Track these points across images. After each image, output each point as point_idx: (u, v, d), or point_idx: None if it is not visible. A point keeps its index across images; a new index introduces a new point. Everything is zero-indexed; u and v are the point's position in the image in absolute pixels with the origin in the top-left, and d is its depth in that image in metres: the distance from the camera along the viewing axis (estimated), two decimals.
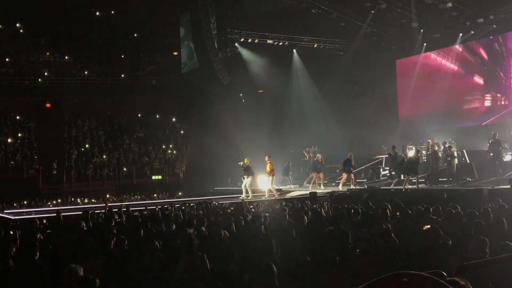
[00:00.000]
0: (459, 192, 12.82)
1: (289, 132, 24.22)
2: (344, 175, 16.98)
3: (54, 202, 21.23)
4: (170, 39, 30.66)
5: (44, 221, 10.25)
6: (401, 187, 15.00)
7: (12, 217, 12.38)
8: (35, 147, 26.01)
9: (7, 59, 28.35)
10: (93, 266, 5.46)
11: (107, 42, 30.67)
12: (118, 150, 26.94)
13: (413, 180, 15.62)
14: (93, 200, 21.65)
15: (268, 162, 16.31)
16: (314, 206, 10.98)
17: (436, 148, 16.78)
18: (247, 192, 16.23)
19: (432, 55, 22.27)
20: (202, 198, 15.38)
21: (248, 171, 16.31)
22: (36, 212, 14.32)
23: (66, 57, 30.11)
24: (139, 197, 22.72)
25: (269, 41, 22.83)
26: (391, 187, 15.83)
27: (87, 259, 5.82)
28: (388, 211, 8.49)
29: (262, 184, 17.99)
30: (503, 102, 20.04)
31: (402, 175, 16.28)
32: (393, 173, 17.69)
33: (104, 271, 5.51)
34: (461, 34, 20.42)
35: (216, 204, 13.07)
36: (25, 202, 20.77)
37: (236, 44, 22.72)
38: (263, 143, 21.37)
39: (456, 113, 21.51)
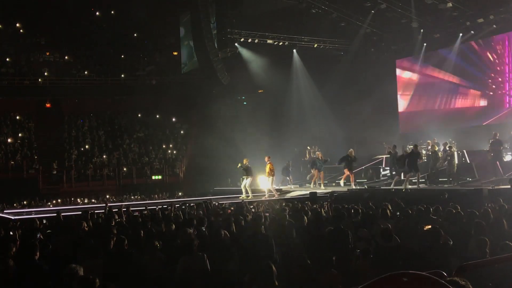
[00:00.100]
0: (459, 192, 12.82)
1: (289, 132, 24.22)
2: (346, 171, 16.91)
3: (54, 202, 21.24)
4: (170, 39, 30.67)
5: (44, 221, 10.25)
6: (401, 187, 15.00)
7: (12, 217, 12.38)
8: (35, 147, 26.01)
9: (7, 59, 28.36)
10: (93, 266, 5.46)
11: (107, 42, 30.67)
12: (118, 150, 26.95)
13: (413, 180, 15.63)
14: (93, 200, 21.66)
15: (268, 162, 16.33)
16: (314, 206, 10.98)
17: (436, 148, 16.78)
18: (247, 192, 16.25)
19: (432, 55, 22.27)
20: (202, 198, 15.39)
21: (247, 171, 16.33)
22: (36, 212, 14.31)
23: (66, 57, 30.11)
24: (139, 197, 22.73)
25: (269, 41, 22.84)
26: (392, 186, 15.85)
27: (87, 259, 5.81)
28: (388, 211, 8.48)
29: (262, 184, 18.00)
30: (503, 102, 20.04)
31: (402, 174, 16.29)
32: (394, 172, 17.69)
33: (104, 271, 5.51)
34: (461, 34, 20.42)
35: (216, 204, 13.07)
36: (24, 202, 20.77)
37: (236, 44, 22.73)
38: (263, 143, 21.38)
39: (456, 113, 21.50)
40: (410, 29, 21.47)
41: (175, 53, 29.99)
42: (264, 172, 16.76)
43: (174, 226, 8.14)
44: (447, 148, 16.18)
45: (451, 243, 5.92)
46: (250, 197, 15.91)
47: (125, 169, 25.83)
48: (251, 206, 11.91)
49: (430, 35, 21.38)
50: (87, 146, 26.98)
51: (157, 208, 11.72)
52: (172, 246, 6.78)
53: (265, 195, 16.47)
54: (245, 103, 28.46)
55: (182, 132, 29.49)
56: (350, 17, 22.18)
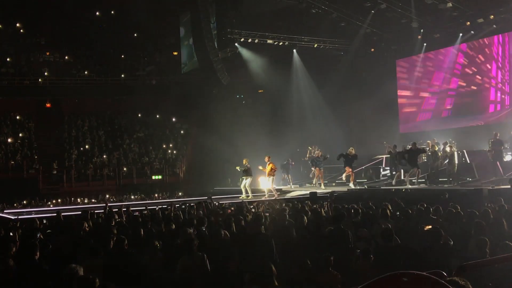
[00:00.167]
0: (459, 192, 12.82)
1: (289, 132, 24.21)
2: (348, 169, 16.86)
3: (54, 202, 21.23)
4: (170, 39, 30.65)
5: (44, 221, 10.25)
6: (402, 187, 15.01)
7: (12, 217, 12.38)
8: (35, 147, 26.00)
9: (7, 59, 28.35)
10: (93, 266, 5.46)
11: (107, 42, 30.65)
12: (118, 150, 26.95)
13: (413, 180, 15.65)
14: (93, 200, 21.66)
15: (269, 162, 16.32)
16: (314, 206, 10.97)
17: (436, 148, 16.78)
18: (246, 192, 16.26)
19: (432, 55, 22.28)
20: (202, 198, 15.40)
21: (247, 171, 16.33)
22: (36, 212, 14.32)
23: (66, 57, 30.10)
24: (138, 196, 22.73)
25: (269, 41, 22.85)
26: (393, 183, 15.89)
27: (87, 259, 5.82)
28: (388, 211, 8.48)
29: (262, 184, 18.01)
30: (503, 102, 20.05)
31: (403, 173, 16.32)
32: (394, 172, 17.70)
33: (104, 271, 5.51)
34: (461, 34, 20.43)
35: (216, 204, 13.08)
36: (24, 202, 20.77)
37: (236, 44, 22.73)
38: (263, 143, 21.37)
39: (456, 113, 21.51)
40: (410, 29, 21.48)
41: (175, 53, 29.97)
42: (264, 172, 16.74)
43: (174, 226, 8.14)
44: (447, 149, 16.16)
45: (451, 243, 5.92)
46: (250, 197, 15.91)
47: (125, 169, 25.82)
48: (251, 206, 11.91)
49: (430, 35, 21.39)
50: (87, 146, 26.98)
51: (157, 208, 11.72)
52: (172, 246, 6.78)
53: (265, 195, 16.48)
54: (244, 102, 28.44)
55: (182, 132, 29.48)
56: (350, 17, 22.18)
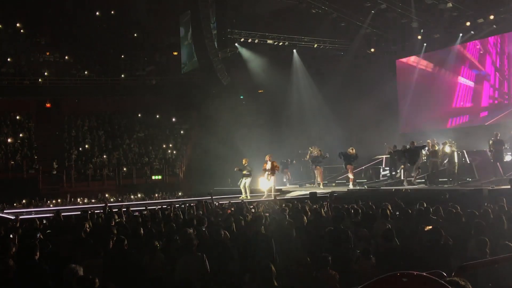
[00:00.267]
0: (459, 192, 12.80)
1: (289, 132, 24.22)
2: (349, 167, 16.81)
3: (54, 202, 21.23)
4: (170, 39, 30.64)
5: (44, 221, 10.25)
6: (402, 187, 15.01)
7: (12, 217, 12.37)
8: (35, 147, 26.01)
9: (7, 59, 28.35)
10: (93, 266, 5.46)
11: (107, 42, 30.66)
12: (118, 150, 26.95)
13: (412, 180, 15.67)
14: (93, 200, 21.65)
15: (270, 161, 16.28)
16: (314, 206, 10.97)
17: (436, 148, 16.76)
18: (246, 192, 16.24)
19: (432, 55, 22.28)
20: (202, 198, 15.37)
21: (247, 171, 16.31)
22: (36, 212, 14.31)
23: (66, 57, 30.10)
24: (138, 196, 22.73)
25: (269, 41, 22.85)
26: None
27: (87, 259, 5.82)
28: (388, 211, 8.48)
29: (262, 184, 17.99)
30: (503, 102, 20.05)
31: (403, 172, 16.34)
32: (393, 173, 17.71)
33: (104, 271, 5.51)
34: (461, 34, 20.43)
35: (216, 204, 13.07)
36: (24, 201, 20.77)
37: (236, 44, 22.74)
38: (263, 143, 21.37)
39: (456, 113, 21.51)
40: (410, 29, 21.48)
41: (175, 53, 29.97)
42: (265, 172, 16.70)
43: (174, 226, 8.14)
44: (446, 149, 16.12)
45: (451, 243, 5.92)
46: (248, 198, 15.89)
47: (125, 169, 25.83)
48: (251, 206, 11.91)
49: (430, 35, 21.39)
50: (87, 146, 26.98)
51: (157, 208, 11.72)
52: (172, 246, 6.78)
53: (264, 195, 16.46)
54: (244, 102, 28.44)
55: (182, 132, 29.48)
56: (350, 17, 22.18)
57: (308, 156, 20.59)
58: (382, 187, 16.52)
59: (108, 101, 29.42)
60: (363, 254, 5.78)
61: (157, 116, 29.68)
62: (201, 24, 22.45)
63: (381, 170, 19.96)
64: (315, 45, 23.64)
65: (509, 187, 12.08)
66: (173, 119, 29.95)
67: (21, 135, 26.38)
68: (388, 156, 18.14)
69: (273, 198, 14.44)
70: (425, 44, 21.74)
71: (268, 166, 16.16)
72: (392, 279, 1.61)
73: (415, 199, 10.73)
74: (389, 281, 1.61)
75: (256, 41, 22.56)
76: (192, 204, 12.68)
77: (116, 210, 11.58)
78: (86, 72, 29.58)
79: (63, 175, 24.43)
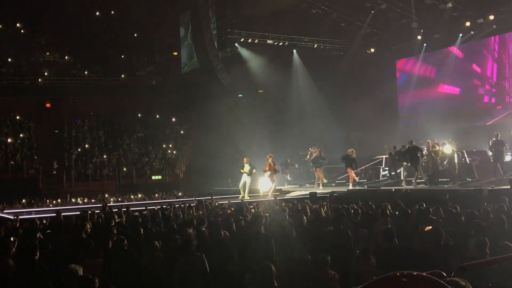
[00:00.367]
0: (459, 192, 12.80)
1: (289, 132, 24.21)
2: (350, 170, 16.81)
3: (54, 202, 21.23)
4: (170, 39, 30.64)
5: (44, 221, 10.25)
6: (402, 187, 15.01)
7: (12, 217, 12.37)
8: (35, 147, 26.01)
9: (7, 59, 28.35)
10: (93, 266, 5.46)
11: (107, 42, 30.66)
12: (118, 150, 26.96)
13: (412, 180, 15.66)
14: (93, 200, 21.65)
15: (272, 161, 16.29)
16: (314, 206, 10.97)
17: (436, 148, 16.75)
18: (244, 191, 16.22)
19: (432, 55, 22.27)
20: (201, 198, 15.36)
21: (248, 171, 16.30)
22: (36, 212, 14.31)
23: (66, 57, 30.12)
24: (138, 196, 22.72)
25: (269, 41, 22.84)
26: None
27: (87, 259, 5.82)
28: (388, 211, 8.48)
29: (262, 184, 17.99)
30: (503, 102, 20.05)
31: (403, 168, 16.35)
32: (393, 173, 17.69)
33: (104, 271, 5.51)
34: (461, 34, 20.43)
35: (216, 204, 13.07)
36: (24, 201, 20.76)
37: (236, 44, 22.73)
38: (263, 143, 21.35)
39: (456, 113, 21.51)
40: (410, 29, 21.48)
41: (175, 53, 29.97)
42: (266, 172, 16.70)
43: (174, 226, 8.14)
44: (446, 149, 16.12)
45: (451, 243, 5.92)
46: (246, 198, 15.86)
47: (125, 169, 25.84)
48: (251, 206, 11.91)
49: (430, 35, 21.39)
50: (87, 146, 26.99)
51: (157, 208, 11.72)
52: (172, 246, 6.77)
53: (265, 195, 16.46)
54: (244, 101, 28.44)
55: (182, 132, 29.49)
56: (350, 17, 22.18)
57: (308, 156, 20.61)
58: (382, 187, 16.52)
59: (108, 101, 29.42)
60: (363, 254, 5.78)
61: (157, 116, 29.69)
62: (201, 24, 22.46)
63: (381, 170, 19.96)
64: (315, 45, 23.64)
65: (509, 187, 12.07)
66: (173, 119, 29.96)
67: (21, 135, 26.39)
68: (388, 156, 18.13)
69: (272, 198, 14.45)
70: (425, 44, 21.73)
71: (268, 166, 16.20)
72: (392, 279, 1.61)
73: (415, 199, 10.73)
74: (389, 281, 1.61)
75: (256, 41, 22.56)
76: (192, 204, 12.69)
77: (116, 210, 11.57)
78: (86, 72, 29.59)
79: (63, 175, 24.44)
